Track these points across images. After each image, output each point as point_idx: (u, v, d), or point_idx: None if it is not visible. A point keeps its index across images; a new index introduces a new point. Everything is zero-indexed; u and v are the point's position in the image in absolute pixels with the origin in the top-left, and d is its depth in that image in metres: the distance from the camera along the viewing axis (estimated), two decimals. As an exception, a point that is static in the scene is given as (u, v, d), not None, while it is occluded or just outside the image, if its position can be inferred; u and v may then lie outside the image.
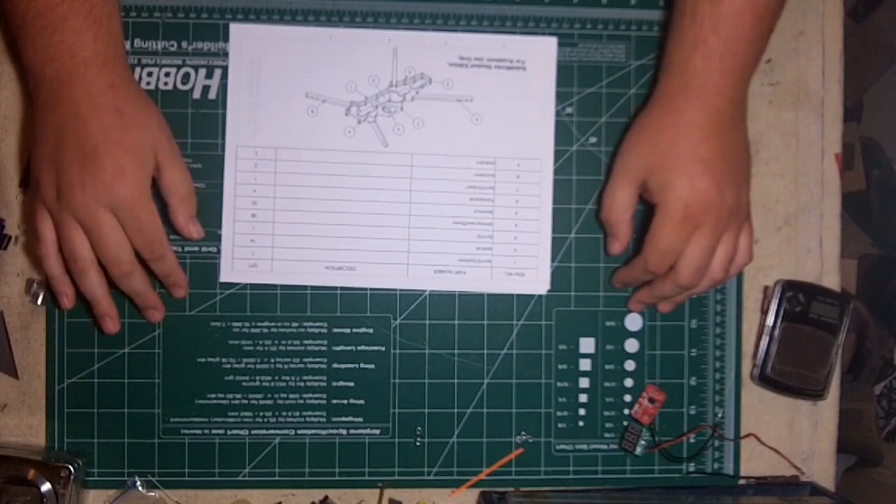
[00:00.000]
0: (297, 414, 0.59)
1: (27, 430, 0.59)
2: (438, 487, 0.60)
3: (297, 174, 0.59)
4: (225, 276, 0.59)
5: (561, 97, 0.60)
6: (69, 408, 0.59)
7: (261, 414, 0.59)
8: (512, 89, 0.59)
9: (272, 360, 0.59)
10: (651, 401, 0.60)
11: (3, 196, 0.59)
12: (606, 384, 0.60)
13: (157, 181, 0.52)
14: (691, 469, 0.61)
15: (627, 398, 0.61)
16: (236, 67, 0.59)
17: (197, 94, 0.59)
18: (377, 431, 0.60)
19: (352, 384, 0.60)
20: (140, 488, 0.59)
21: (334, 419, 0.60)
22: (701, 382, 0.61)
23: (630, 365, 0.61)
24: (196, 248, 0.59)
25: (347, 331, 0.60)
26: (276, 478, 0.59)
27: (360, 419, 0.60)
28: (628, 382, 0.61)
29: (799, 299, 0.60)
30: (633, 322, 0.61)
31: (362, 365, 0.60)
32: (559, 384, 0.60)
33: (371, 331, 0.60)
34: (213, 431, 0.59)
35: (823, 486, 0.61)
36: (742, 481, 0.61)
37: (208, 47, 0.59)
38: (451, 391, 0.60)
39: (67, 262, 0.50)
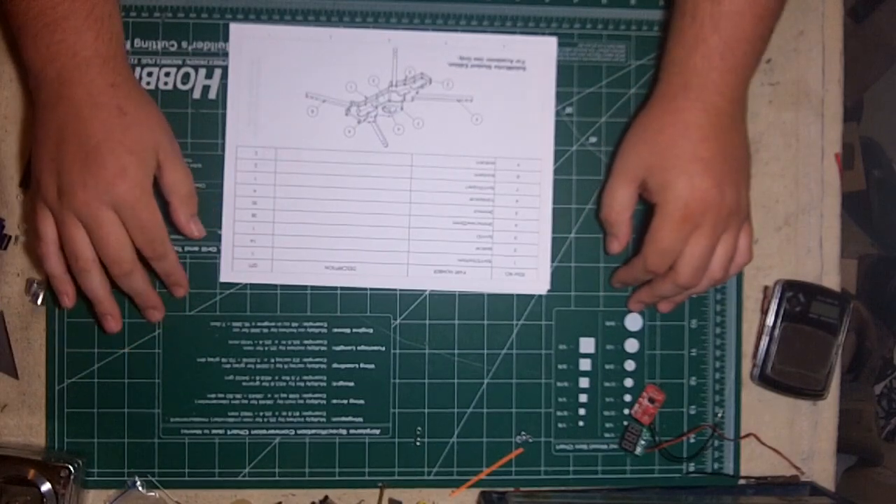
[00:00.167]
0: (297, 414, 0.59)
1: (27, 430, 0.59)
2: (438, 487, 0.60)
3: (297, 174, 0.59)
4: (225, 276, 0.59)
5: (561, 97, 0.60)
6: (69, 408, 0.59)
7: (261, 414, 0.59)
8: (512, 89, 0.59)
9: (272, 360, 0.59)
10: (651, 401, 0.60)
11: (3, 196, 0.59)
12: (606, 384, 0.60)
13: (159, 180, 0.52)
14: (691, 469, 0.61)
15: (627, 398, 0.61)
16: (236, 67, 0.59)
17: (197, 94, 0.59)
18: (377, 431, 0.60)
19: (352, 384, 0.60)
20: (140, 488, 0.59)
21: (334, 419, 0.60)
22: (701, 382, 0.61)
23: (630, 365, 0.61)
24: (196, 248, 0.59)
25: (347, 331, 0.60)
26: (276, 478, 0.59)
27: (360, 419, 0.60)
28: (628, 382, 0.61)
29: (799, 299, 0.60)
30: (633, 322, 0.61)
31: (362, 365, 0.60)
32: (559, 384, 0.60)
33: (371, 331, 0.60)
34: (213, 431, 0.59)
35: (823, 486, 0.61)
36: (742, 481, 0.61)
37: (208, 47, 0.59)
38: (451, 391, 0.60)
39: (69, 260, 0.50)
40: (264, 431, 0.59)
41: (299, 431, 0.59)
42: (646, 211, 0.54)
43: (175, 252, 0.54)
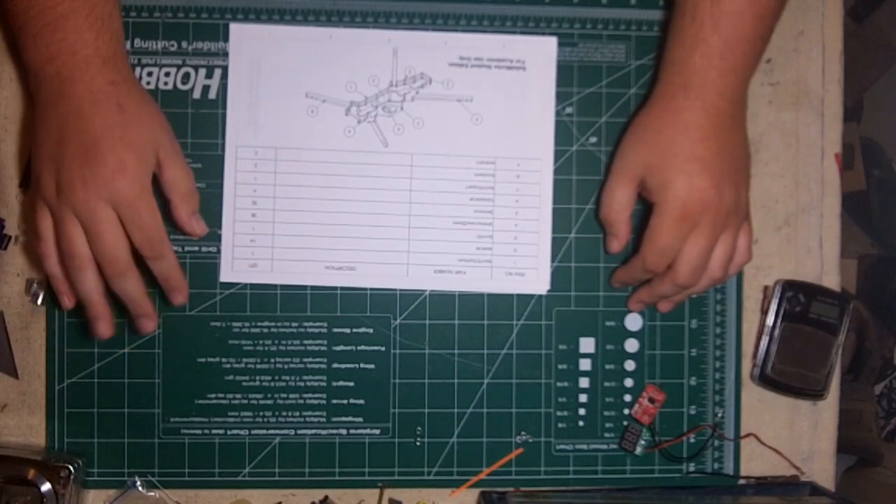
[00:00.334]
0: (297, 414, 0.59)
1: (27, 430, 0.59)
2: (438, 487, 0.60)
3: (297, 174, 0.59)
4: (225, 276, 0.59)
5: (561, 97, 0.60)
6: (69, 408, 0.59)
7: (261, 414, 0.59)
8: (512, 89, 0.59)
9: (272, 360, 0.59)
10: (651, 401, 0.60)
11: (3, 196, 0.59)
12: (606, 384, 0.60)
13: (159, 178, 0.52)
14: (691, 469, 0.61)
15: (627, 398, 0.61)
16: (236, 67, 0.59)
17: (197, 94, 0.59)
18: (377, 431, 0.60)
19: (352, 384, 0.60)
20: (140, 488, 0.59)
21: (334, 419, 0.60)
22: (701, 382, 0.61)
23: (630, 365, 0.61)
24: (196, 248, 0.59)
25: (347, 331, 0.60)
26: (276, 478, 0.59)
27: (360, 419, 0.60)
28: (628, 382, 0.61)
29: (799, 299, 0.60)
30: (633, 322, 0.61)
31: (362, 365, 0.60)
32: (559, 384, 0.60)
33: (371, 331, 0.60)
34: (213, 431, 0.59)
35: (823, 486, 0.61)
36: (742, 481, 0.61)
37: (208, 47, 0.59)
38: (451, 391, 0.60)
39: (64, 258, 0.50)
40: (264, 431, 0.59)
41: (299, 431, 0.60)
42: (645, 210, 0.54)
43: (175, 255, 0.52)
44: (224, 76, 0.59)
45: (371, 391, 0.60)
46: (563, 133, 0.60)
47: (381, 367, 0.60)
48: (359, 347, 0.60)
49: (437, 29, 0.59)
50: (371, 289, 0.59)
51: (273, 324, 0.59)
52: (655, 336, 0.61)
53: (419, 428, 0.60)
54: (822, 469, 0.61)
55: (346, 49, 0.59)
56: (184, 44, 0.59)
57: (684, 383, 0.61)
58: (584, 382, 0.60)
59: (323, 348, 0.59)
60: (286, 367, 0.59)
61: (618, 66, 0.60)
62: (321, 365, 0.60)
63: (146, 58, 0.59)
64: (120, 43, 0.51)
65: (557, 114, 0.60)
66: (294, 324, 0.59)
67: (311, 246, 0.59)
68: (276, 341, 0.59)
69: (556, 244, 0.60)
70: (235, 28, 0.59)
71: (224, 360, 0.59)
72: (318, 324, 0.59)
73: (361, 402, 0.60)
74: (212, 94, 0.59)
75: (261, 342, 0.59)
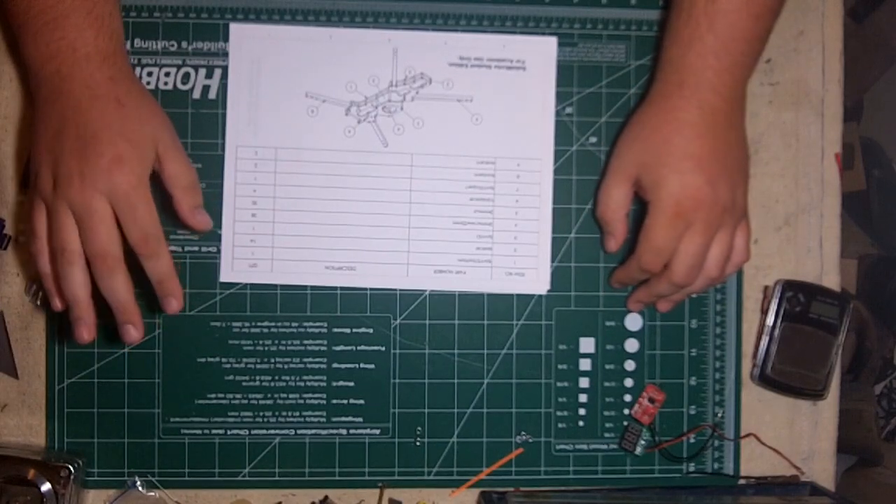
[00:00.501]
0: (297, 414, 0.59)
1: (27, 430, 0.59)
2: (438, 487, 0.60)
3: (297, 174, 0.59)
4: (225, 276, 0.59)
5: (561, 97, 0.60)
6: (69, 408, 0.59)
7: (261, 414, 0.59)
8: (512, 89, 0.59)
9: (272, 360, 0.59)
10: (651, 401, 0.60)
11: (3, 196, 0.59)
12: (606, 384, 0.60)
13: (160, 174, 0.51)
14: (691, 469, 0.61)
15: (627, 398, 0.61)
16: (236, 67, 0.59)
17: (197, 94, 0.59)
18: (377, 431, 0.60)
19: (352, 384, 0.60)
20: (140, 488, 0.59)
21: (334, 419, 0.60)
22: (701, 382, 0.61)
23: (630, 365, 0.61)
24: (196, 248, 0.59)
25: (347, 331, 0.60)
26: (276, 478, 0.59)
27: (360, 419, 0.60)
28: (628, 382, 0.61)
29: (799, 299, 0.60)
30: (633, 322, 0.61)
31: (362, 365, 0.60)
32: (559, 384, 0.60)
33: (371, 331, 0.60)
34: (213, 431, 0.59)
35: (823, 486, 0.61)
36: (742, 481, 0.61)
37: (208, 47, 0.59)
38: (451, 391, 0.60)
39: (55, 253, 0.48)
40: (264, 431, 0.59)
41: (299, 431, 0.60)
42: (641, 210, 0.54)
43: (171, 258, 0.50)
44: (224, 76, 0.59)
45: (371, 391, 0.60)
46: (563, 133, 0.60)
47: (381, 367, 0.60)
48: (359, 347, 0.60)
49: (437, 29, 0.59)
50: (371, 289, 0.59)
51: (273, 324, 0.59)
52: (655, 336, 0.61)
53: (419, 428, 0.60)
54: (822, 469, 0.61)
55: (346, 49, 0.59)
56: (184, 44, 0.59)
57: (684, 383, 0.61)
58: (584, 382, 0.60)
59: (323, 348, 0.59)
60: (286, 367, 0.59)
61: (618, 66, 0.60)
62: (321, 365, 0.60)
63: (146, 58, 0.59)
64: (120, 41, 0.51)
65: (557, 114, 0.60)
66: (294, 324, 0.59)
67: (311, 246, 0.59)
68: (276, 341, 0.59)
69: (556, 244, 0.60)
70: (235, 28, 0.59)
71: (224, 360, 0.59)
72: (318, 324, 0.59)
73: (361, 402, 0.60)
74: (212, 94, 0.59)
75: (261, 342, 0.59)
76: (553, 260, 0.60)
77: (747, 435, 0.61)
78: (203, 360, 0.59)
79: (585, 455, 0.60)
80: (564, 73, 0.60)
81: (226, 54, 0.59)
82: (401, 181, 0.59)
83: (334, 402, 0.60)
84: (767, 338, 0.60)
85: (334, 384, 0.60)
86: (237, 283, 0.59)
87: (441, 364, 0.60)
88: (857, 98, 1.28)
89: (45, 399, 0.59)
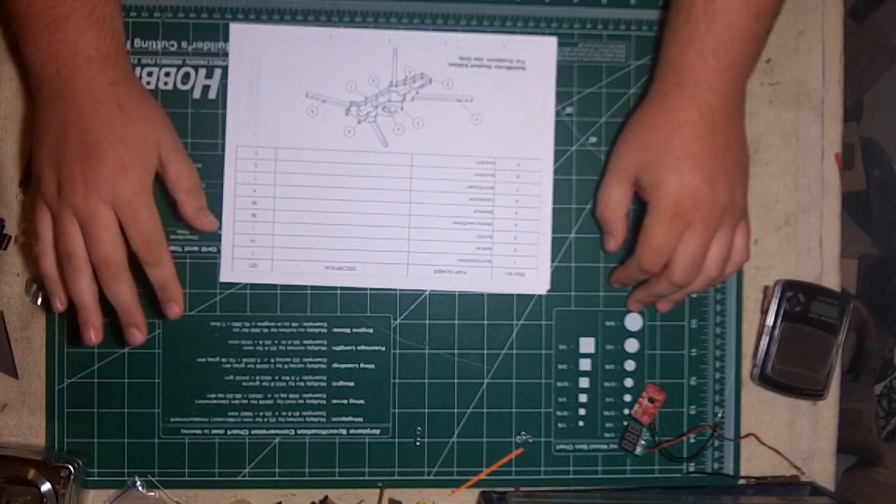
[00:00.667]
0: (297, 414, 0.59)
1: (27, 430, 0.59)
2: (438, 487, 0.60)
3: (297, 174, 0.59)
4: (225, 276, 0.59)
5: (561, 97, 0.60)
6: (69, 408, 0.59)
7: (261, 414, 0.59)
8: (512, 89, 0.59)
9: (272, 360, 0.59)
10: (651, 401, 0.60)
11: (3, 196, 0.59)
12: (606, 384, 0.60)
13: (163, 177, 0.52)
14: (691, 469, 0.61)
15: (627, 398, 0.61)
16: (236, 67, 0.59)
17: (197, 94, 0.59)
18: (377, 431, 0.60)
19: (352, 384, 0.60)
20: (140, 488, 0.59)
21: (334, 419, 0.60)
22: (701, 382, 0.61)
23: (630, 365, 0.61)
24: (196, 248, 0.59)
25: (347, 331, 0.60)
26: (276, 478, 0.59)
27: (360, 419, 0.60)
28: (628, 382, 0.61)
29: (799, 299, 0.60)
30: (633, 322, 0.61)
31: (362, 365, 0.60)
32: (559, 384, 0.60)
33: (371, 331, 0.60)
34: (213, 431, 0.59)
35: (823, 486, 0.61)
36: (742, 481, 0.61)
37: (208, 47, 0.59)
38: (451, 391, 0.60)
39: (61, 259, 0.49)
40: (264, 431, 0.59)
41: (299, 431, 0.60)
42: (641, 210, 0.54)
43: (173, 263, 0.51)
44: (224, 76, 0.59)
45: (371, 391, 0.60)
46: (563, 133, 0.60)
47: (381, 367, 0.60)
48: (359, 347, 0.60)
49: (437, 29, 0.59)
50: (371, 289, 0.59)
51: (273, 324, 0.59)
52: (655, 336, 0.61)
53: (419, 428, 0.60)
54: (822, 469, 0.61)
55: (346, 49, 0.59)
56: (184, 44, 0.59)
57: (684, 383, 0.61)
58: (584, 382, 0.60)
59: (323, 348, 0.59)
60: (286, 367, 0.59)
61: (618, 66, 0.60)
62: (321, 365, 0.60)
63: (146, 58, 0.59)
64: (120, 43, 0.51)
65: (557, 114, 0.60)
66: (294, 324, 0.59)
67: (311, 246, 0.59)
68: (276, 341, 0.59)
69: (556, 244, 0.60)
70: (235, 28, 0.59)
71: (224, 360, 0.59)
72: (318, 324, 0.59)
73: (361, 402, 0.60)
74: (212, 94, 0.59)
75: (261, 342, 0.59)
76: (553, 260, 0.60)
77: (747, 435, 0.61)
78: (203, 360, 0.59)
79: (585, 455, 0.60)
80: (564, 73, 0.60)
81: (226, 54, 0.59)
82: (401, 181, 0.59)
83: (334, 402, 0.60)
84: (767, 338, 0.60)
85: (334, 384, 0.60)
86: (237, 283, 0.59)
87: (441, 364, 0.60)
88: (857, 98, 1.28)
89: (45, 399, 0.59)
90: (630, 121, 0.55)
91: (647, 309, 0.60)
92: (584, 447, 0.60)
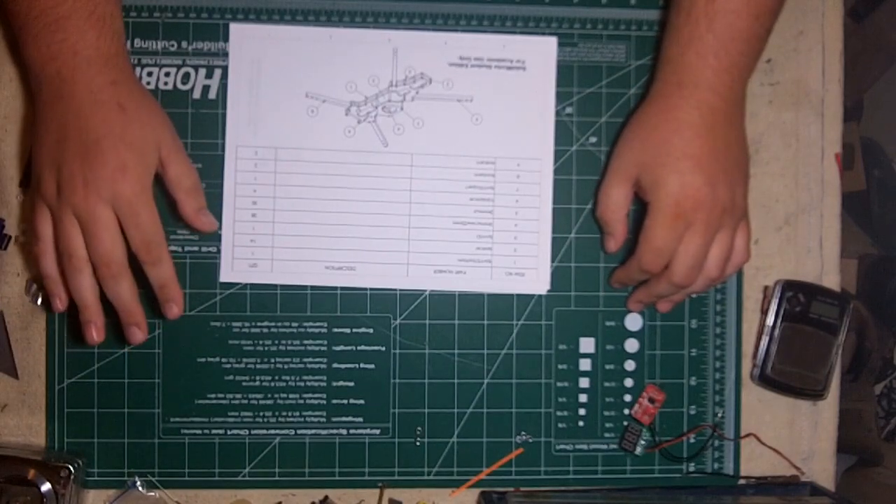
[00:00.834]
0: (297, 414, 0.59)
1: (27, 430, 0.59)
2: (438, 487, 0.60)
3: (297, 174, 0.59)
4: (225, 276, 0.59)
5: (561, 97, 0.60)
6: (69, 408, 0.59)
7: (261, 414, 0.59)
8: (512, 89, 0.59)
9: (272, 360, 0.59)
10: (651, 401, 0.60)
11: (3, 196, 0.59)
12: (606, 384, 0.60)
13: (163, 177, 0.52)
14: (691, 469, 0.61)
15: (627, 398, 0.61)
16: (236, 67, 0.59)
17: (197, 94, 0.59)
18: (377, 431, 0.60)
19: (352, 384, 0.60)
20: (140, 488, 0.59)
21: (334, 419, 0.60)
22: (701, 382, 0.61)
23: (630, 365, 0.61)
24: (196, 248, 0.59)
25: (347, 331, 0.60)
26: (276, 478, 0.59)
27: (360, 419, 0.60)
28: (628, 382, 0.61)
29: (799, 299, 0.60)
30: (633, 322, 0.61)
31: (362, 365, 0.60)
32: (559, 384, 0.60)
33: (371, 331, 0.60)
34: (213, 431, 0.59)
35: (823, 486, 0.61)
36: (742, 481, 0.61)
37: (208, 47, 0.59)
38: (451, 391, 0.60)
39: (62, 259, 0.49)
40: (264, 431, 0.59)
41: (299, 431, 0.60)
42: (641, 210, 0.54)
43: (173, 263, 0.51)
44: (224, 76, 0.59)
45: (371, 391, 0.60)
46: (563, 133, 0.60)
47: (381, 367, 0.60)
48: (359, 347, 0.60)
49: (437, 29, 0.59)
50: (371, 289, 0.59)
51: (273, 324, 0.59)
52: (655, 336, 0.61)
53: (419, 428, 0.60)
54: (822, 469, 0.61)
55: (346, 49, 0.59)
56: (184, 44, 0.59)
57: (684, 383, 0.61)
58: (584, 382, 0.60)
59: (323, 348, 0.59)
60: (286, 367, 0.59)
61: (618, 66, 0.60)
62: (321, 365, 0.60)
63: (146, 58, 0.59)
64: (121, 42, 0.51)
65: (557, 114, 0.60)
66: (294, 324, 0.59)
67: (311, 246, 0.59)
68: (276, 341, 0.59)
69: (556, 244, 0.60)
70: (235, 28, 0.59)
71: (224, 360, 0.59)
72: (318, 324, 0.59)
73: (361, 402, 0.60)
74: (212, 94, 0.59)
75: (261, 342, 0.59)
76: (553, 260, 0.60)
77: (747, 435, 0.61)
78: (203, 360, 0.59)
79: (585, 455, 0.60)
80: (564, 73, 0.60)
81: (226, 54, 0.59)
82: (401, 181, 0.59)
83: (334, 402, 0.60)
84: (767, 338, 0.60)
85: (334, 384, 0.60)
86: (237, 283, 0.59)
87: (441, 364, 0.60)
88: (857, 98, 1.28)
89: (45, 399, 0.59)
90: (630, 121, 0.55)
91: (647, 309, 0.60)
92: (584, 447, 0.60)
